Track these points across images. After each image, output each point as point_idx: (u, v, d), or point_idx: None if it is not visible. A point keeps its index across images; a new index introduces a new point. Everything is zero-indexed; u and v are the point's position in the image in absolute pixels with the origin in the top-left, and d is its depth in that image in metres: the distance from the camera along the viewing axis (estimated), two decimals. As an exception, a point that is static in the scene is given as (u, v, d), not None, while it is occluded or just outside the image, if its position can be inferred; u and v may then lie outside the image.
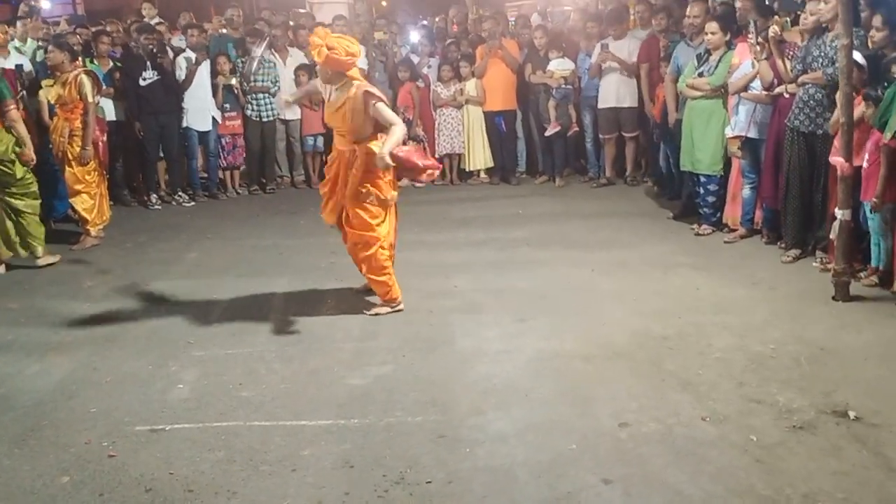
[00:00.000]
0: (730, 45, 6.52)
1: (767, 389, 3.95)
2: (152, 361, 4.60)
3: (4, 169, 6.39)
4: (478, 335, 4.81)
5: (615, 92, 8.67)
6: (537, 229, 7.29)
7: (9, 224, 6.48)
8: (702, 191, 6.87)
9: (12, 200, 6.45)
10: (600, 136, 9.01)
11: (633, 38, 8.60)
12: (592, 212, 7.91)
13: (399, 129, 4.96)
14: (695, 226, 6.95)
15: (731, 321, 4.85)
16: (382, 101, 5.03)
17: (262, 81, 9.05)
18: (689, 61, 6.91)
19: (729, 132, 6.40)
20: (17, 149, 6.40)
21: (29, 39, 8.61)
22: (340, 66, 4.94)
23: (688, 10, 7.20)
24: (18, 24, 8.85)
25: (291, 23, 10.40)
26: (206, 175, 9.29)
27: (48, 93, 7.30)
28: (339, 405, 3.97)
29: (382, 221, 5.16)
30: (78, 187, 7.16)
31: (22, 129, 6.45)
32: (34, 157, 6.57)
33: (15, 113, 6.41)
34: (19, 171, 6.46)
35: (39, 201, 6.66)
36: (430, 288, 5.71)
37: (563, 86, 8.88)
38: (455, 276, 5.95)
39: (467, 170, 9.68)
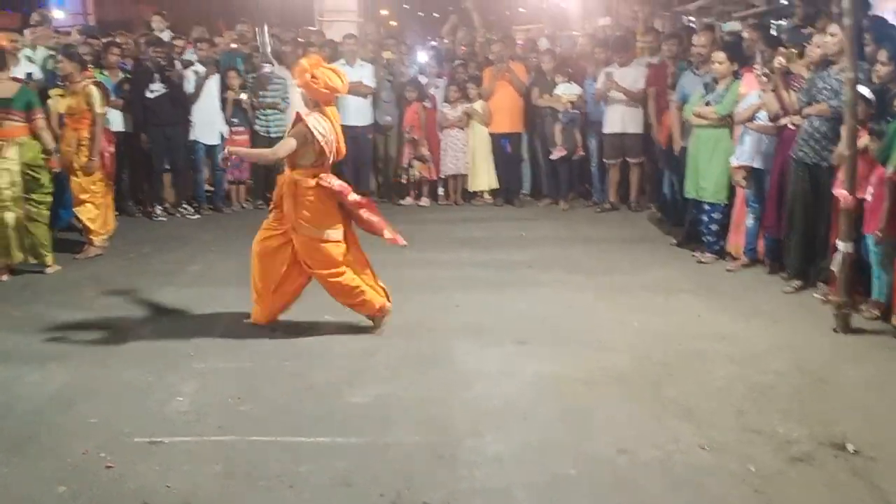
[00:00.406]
0: (736, 75, 6.57)
1: (767, 419, 3.95)
2: (152, 373, 4.60)
3: (32, 174, 6.51)
4: (478, 355, 4.82)
5: (620, 118, 8.73)
6: (540, 252, 7.30)
7: (21, 231, 6.52)
8: (705, 219, 6.89)
9: (29, 207, 6.53)
10: (605, 161, 9.05)
11: (639, 66, 8.66)
12: (596, 236, 7.93)
13: (265, 153, 5.77)
14: (697, 253, 6.97)
15: (731, 350, 4.85)
16: (304, 132, 4.90)
17: (272, 98, 9.11)
18: (695, 90, 6.97)
19: (734, 161, 6.43)
20: (44, 156, 6.57)
21: (39, 48, 8.67)
22: (316, 95, 4.99)
23: (694, 39, 7.26)
24: (27, 31, 8.92)
25: (301, 39, 10.45)
26: (211, 188, 9.33)
27: (58, 103, 7.35)
28: (337, 422, 3.97)
29: (338, 257, 5.08)
30: (83, 197, 7.19)
31: (48, 137, 6.64)
32: (60, 166, 6.82)
33: (42, 121, 6.60)
34: (45, 178, 6.61)
35: (49, 211, 6.73)
36: (431, 306, 5.72)
37: (570, 110, 8.93)
38: (456, 296, 5.96)
39: (471, 190, 9.72)
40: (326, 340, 5.11)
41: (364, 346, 5.01)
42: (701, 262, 6.83)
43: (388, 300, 5.27)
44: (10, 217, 6.41)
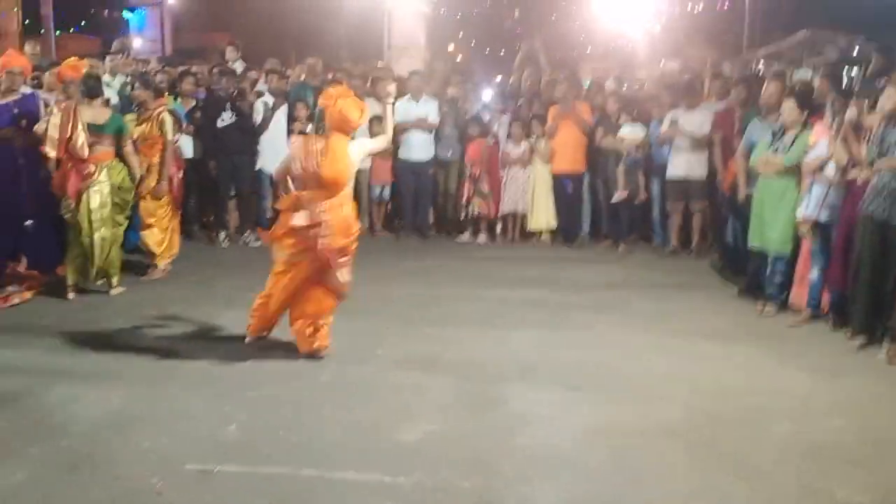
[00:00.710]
0: (806, 125, 6.45)
1: (826, 481, 3.82)
2: (206, 399, 4.67)
3: (119, 197, 6.75)
4: (529, 399, 4.76)
5: (685, 162, 8.64)
6: (597, 294, 7.23)
7: (104, 251, 6.72)
8: (769, 269, 6.74)
9: (112, 229, 6.75)
10: (667, 205, 8.96)
11: (706, 111, 8.58)
12: (655, 281, 7.83)
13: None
14: (759, 304, 6.80)
15: (791, 406, 4.72)
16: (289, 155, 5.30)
17: (337, 129, 9.25)
18: (763, 137, 6.86)
19: (800, 213, 6.29)
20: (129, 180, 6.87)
21: (118, 74, 8.98)
22: (331, 121, 5.23)
23: (764, 87, 7.17)
24: (108, 59, 9.27)
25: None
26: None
27: (132, 128, 7.57)
28: (386, 460, 3.96)
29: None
30: (150, 221, 7.38)
31: (135, 163, 6.92)
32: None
33: (130, 148, 6.90)
34: (130, 201, 6.89)
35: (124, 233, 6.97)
36: (483, 345, 5.70)
37: (634, 153, 8.89)
38: (510, 336, 5.93)
39: (529, 229, 9.69)
40: (378, 374, 5.13)
41: (415, 381, 5.00)
42: (763, 314, 6.67)
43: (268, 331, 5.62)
44: (98, 237, 6.63)
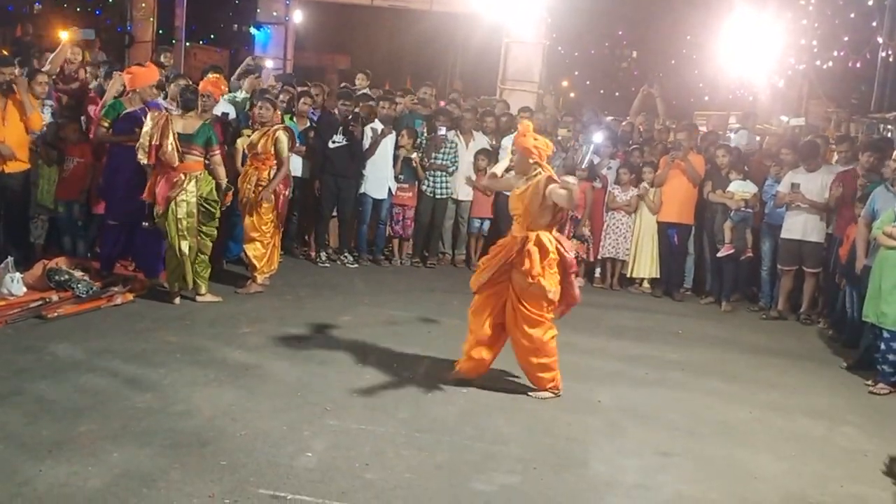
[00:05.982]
0: (937, 198, 6.06)
1: None
2: (287, 422, 4.64)
3: (207, 208, 6.90)
4: (615, 462, 4.56)
5: (802, 224, 8.27)
6: (695, 354, 6.95)
7: (193, 259, 6.90)
8: (883, 346, 6.34)
9: (199, 238, 6.89)
10: (778, 266, 8.58)
11: (828, 173, 8.20)
12: (758, 345, 7.48)
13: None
14: (870, 382, 6.40)
15: (891, 499, 4.37)
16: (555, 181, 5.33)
17: (442, 160, 9.27)
18: (888, 207, 6.49)
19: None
20: (226, 190, 7.02)
21: (242, 91, 9.20)
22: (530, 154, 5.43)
23: (894, 154, 6.79)
24: (246, 80, 9.51)
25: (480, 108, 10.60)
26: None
27: (245, 142, 7.74)
28: (459, 510, 3.84)
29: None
30: (254, 235, 7.48)
31: (221, 171, 7.00)
32: (230, 201, 7.20)
33: (218, 158, 6.99)
34: (216, 212, 6.99)
35: (213, 243, 7.09)
36: (572, 398, 5.51)
37: (743, 209, 8.56)
38: (600, 391, 5.72)
39: (630, 276, 9.45)
40: (459, 417, 5.01)
41: (499, 430, 4.86)
42: (873, 393, 6.26)
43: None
44: (185, 245, 6.78)
